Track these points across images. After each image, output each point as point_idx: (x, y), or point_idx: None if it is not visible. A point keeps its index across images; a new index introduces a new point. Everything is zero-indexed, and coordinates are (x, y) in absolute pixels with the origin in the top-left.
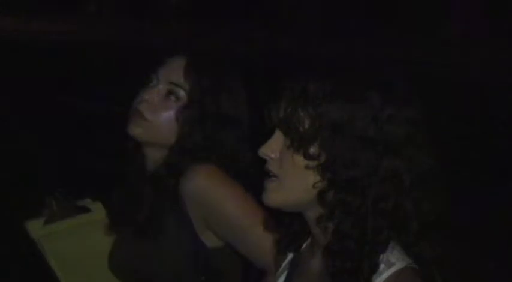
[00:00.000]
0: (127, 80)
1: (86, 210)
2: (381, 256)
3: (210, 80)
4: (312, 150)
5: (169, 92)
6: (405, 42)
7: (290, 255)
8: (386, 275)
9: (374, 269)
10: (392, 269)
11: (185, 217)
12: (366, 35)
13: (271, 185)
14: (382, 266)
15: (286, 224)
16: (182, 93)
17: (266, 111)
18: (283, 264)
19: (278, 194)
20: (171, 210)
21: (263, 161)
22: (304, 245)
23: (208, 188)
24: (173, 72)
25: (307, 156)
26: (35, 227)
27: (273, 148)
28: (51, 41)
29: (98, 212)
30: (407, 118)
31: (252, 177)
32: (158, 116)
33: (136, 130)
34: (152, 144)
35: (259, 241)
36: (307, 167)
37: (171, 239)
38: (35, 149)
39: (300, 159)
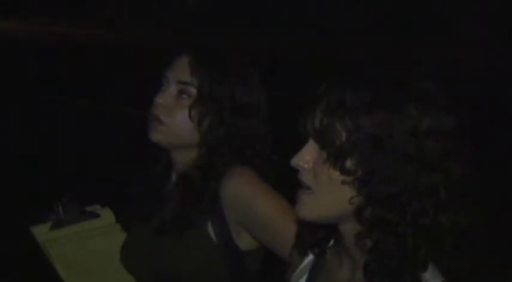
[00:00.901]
0: (145, 82)
1: (94, 215)
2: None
3: (217, 71)
4: (349, 164)
5: (181, 92)
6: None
7: (310, 257)
8: None
9: None
10: None
11: (222, 220)
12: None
13: (304, 198)
14: None
15: (313, 227)
16: (192, 89)
17: (301, 120)
18: (302, 265)
19: (312, 208)
20: (208, 212)
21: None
22: (328, 250)
23: (246, 192)
24: (180, 71)
25: (343, 171)
26: (41, 232)
27: (306, 158)
28: (68, 45)
29: (106, 217)
30: (445, 130)
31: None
32: (174, 117)
33: (156, 136)
34: (176, 147)
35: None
36: (343, 182)
37: (204, 240)
38: (44, 152)
39: (336, 174)
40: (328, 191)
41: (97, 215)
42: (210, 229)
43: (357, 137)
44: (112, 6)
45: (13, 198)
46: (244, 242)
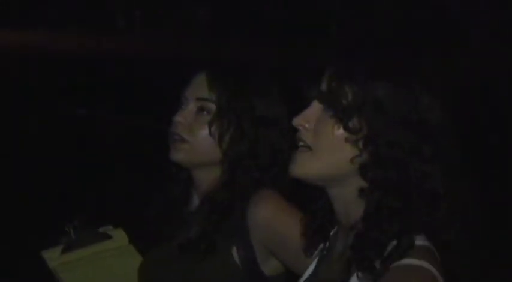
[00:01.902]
0: (158, 94)
1: (107, 237)
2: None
3: (235, 85)
4: (354, 123)
5: (200, 109)
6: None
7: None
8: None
9: (407, 247)
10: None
11: (248, 245)
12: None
13: (302, 155)
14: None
15: (314, 212)
16: (211, 105)
17: (304, 85)
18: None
19: (311, 165)
20: (233, 236)
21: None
22: (331, 238)
23: (274, 218)
24: (198, 88)
25: (348, 128)
26: (52, 257)
27: (308, 118)
28: (80, 56)
29: (119, 238)
30: (441, 109)
31: None
32: (195, 134)
33: (178, 155)
34: (199, 166)
35: None
36: (346, 140)
37: (228, 264)
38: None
39: (340, 132)
40: (330, 148)
41: (109, 237)
42: (235, 253)
43: (363, 99)
44: (124, 17)
45: (25, 220)
46: (270, 267)
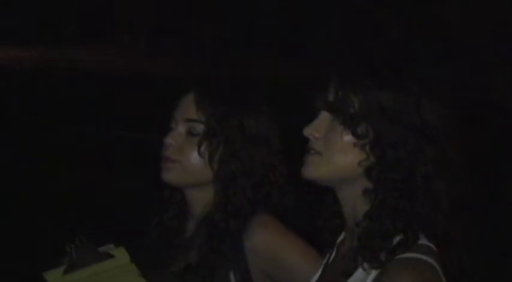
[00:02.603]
0: (162, 110)
1: (108, 256)
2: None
3: (223, 105)
4: (361, 129)
5: (189, 130)
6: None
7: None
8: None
9: (412, 241)
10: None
11: (245, 269)
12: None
13: (313, 159)
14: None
15: (323, 218)
16: (200, 126)
17: (311, 97)
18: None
19: (321, 167)
20: (231, 259)
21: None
22: (339, 241)
23: (272, 243)
24: (187, 110)
25: (356, 134)
26: (54, 277)
27: (318, 128)
28: (86, 70)
29: (121, 257)
30: (443, 113)
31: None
32: (186, 155)
33: (169, 176)
34: (191, 186)
35: None
36: (355, 145)
37: None
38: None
39: (348, 138)
40: (340, 153)
41: (111, 256)
42: (232, 277)
43: (368, 107)
44: (130, 33)
45: (27, 241)
46: None
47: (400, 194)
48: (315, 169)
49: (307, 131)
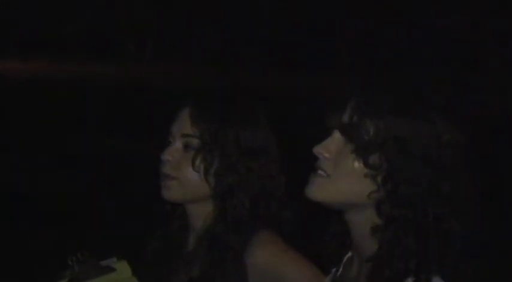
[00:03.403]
0: (167, 123)
1: (110, 270)
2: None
3: (219, 119)
4: (374, 159)
5: (186, 145)
6: None
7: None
8: None
9: None
10: None
11: None
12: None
13: (319, 180)
14: None
15: (330, 234)
16: (196, 141)
17: (326, 115)
18: None
19: (326, 191)
20: (232, 275)
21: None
22: (345, 258)
23: (274, 262)
24: (182, 125)
25: (367, 164)
26: None
27: (329, 148)
28: (92, 83)
29: (123, 270)
30: (461, 144)
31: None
32: (183, 171)
33: (168, 193)
34: (191, 201)
35: None
36: (366, 175)
37: None
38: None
39: (359, 166)
40: (348, 179)
41: (113, 269)
42: None
43: (385, 136)
44: (135, 44)
45: (29, 254)
46: None
47: (411, 233)
48: (320, 191)
49: (317, 150)
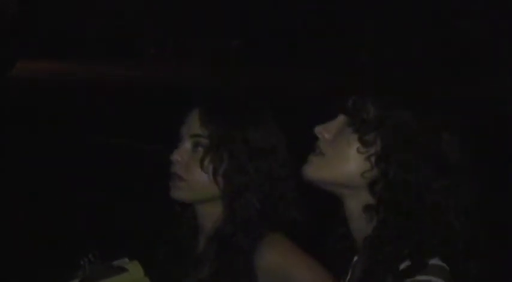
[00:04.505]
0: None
1: (122, 270)
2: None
3: (227, 120)
4: (370, 136)
5: (195, 145)
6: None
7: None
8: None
9: (419, 267)
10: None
11: None
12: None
13: (315, 159)
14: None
15: (336, 238)
16: (205, 141)
17: (336, 100)
18: None
19: (321, 169)
20: (242, 277)
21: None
22: (353, 262)
23: (283, 264)
24: (192, 125)
25: (362, 140)
26: None
27: (329, 129)
28: (111, 84)
29: (135, 271)
30: (462, 146)
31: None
32: (192, 172)
33: (177, 193)
34: (200, 202)
35: None
36: (358, 150)
37: None
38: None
39: (355, 142)
40: (342, 155)
41: (125, 270)
42: None
43: (383, 119)
44: (156, 45)
45: (40, 255)
46: None
47: (403, 218)
48: (315, 170)
49: (318, 129)
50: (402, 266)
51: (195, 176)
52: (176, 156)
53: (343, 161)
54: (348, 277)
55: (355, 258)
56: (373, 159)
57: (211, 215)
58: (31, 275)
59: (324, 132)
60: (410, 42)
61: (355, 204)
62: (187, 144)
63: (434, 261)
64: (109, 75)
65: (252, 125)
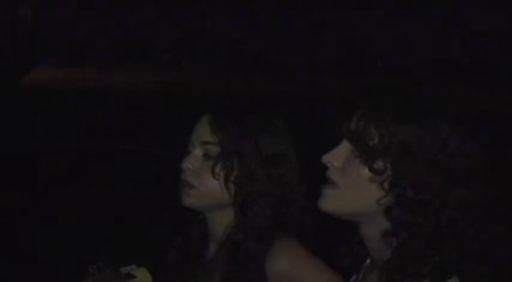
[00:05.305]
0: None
1: (130, 277)
2: None
3: (238, 127)
4: (379, 164)
5: (205, 153)
6: None
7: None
8: None
9: None
10: None
11: None
12: None
13: (330, 192)
14: None
15: (348, 244)
16: (215, 148)
17: (340, 124)
18: None
19: (336, 202)
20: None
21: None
22: (365, 265)
23: (294, 269)
24: (202, 133)
25: (372, 169)
26: None
27: (337, 157)
28: (128, 91)
29: (143, 278)
30: (473, 152)
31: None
32: (203, 179)
33: (188, 201)
34: (211, 209)
35: None
36: (371, 180)
37: None
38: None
39: (365, 172)
40: (355, 187)
41: (133, 276)
42: None
43: (389, 141)
44: (171, 52)
45: (49, 261)
46: None
47: (423, 238)
48: (330, 204)
49: (326, 158)
50: None
51: (206, 183)
52: (187, 164)
53: (357, 192)
54: (360, 279)
55: (368, 261)
56: (386, 185)
57: (221, 222)
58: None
59: (333, 160)
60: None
61: (373, 229)
62: (197, 152)
63: (453, 280)
64: (125, 82)
65: (262, 132)
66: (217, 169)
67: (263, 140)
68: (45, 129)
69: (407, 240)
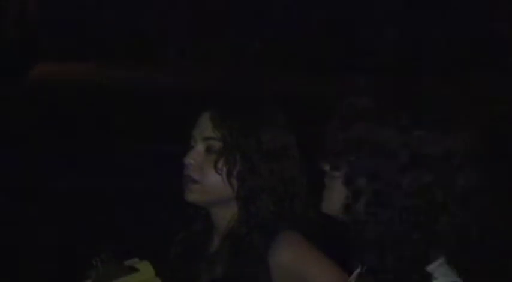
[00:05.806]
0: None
1: (133, 270)
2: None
3: (239, 122)
4: (336, 161)
5: (208, 148)
6: None
7: None
8: None
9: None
10: None
11: None
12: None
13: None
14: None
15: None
16: (218, 143)
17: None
18: None
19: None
20: (255, 276)
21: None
22: None
23: (297, 262)
24: (204, 128)
25: (332, 167)
26: None
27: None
28: (130, 88)
29: (146, 271)
30: (437, 139)
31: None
32: (206, 174)
33: (191, 196)
34: (214, 204)
35: None
36: (330, 177)
37: None
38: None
39: (328, 170)
40: (330, 188)
41: (136, 269)
42: None
43: (344, 139)
44: (175, 48)
45: (51, 255)
46: None
47: (386, 229)
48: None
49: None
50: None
51: (209, 178)
52: (189, 159)
53: (331, 191)
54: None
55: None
56: (344, 181)
57: (225, 216)
58: (44, 277)
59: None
60: None
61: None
62: (200, 147)
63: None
64: (126, 78)
65: (264, 127)
66: (220, 164)
67: (265, 135)
68: (48, 124)
69: (370, 232)
